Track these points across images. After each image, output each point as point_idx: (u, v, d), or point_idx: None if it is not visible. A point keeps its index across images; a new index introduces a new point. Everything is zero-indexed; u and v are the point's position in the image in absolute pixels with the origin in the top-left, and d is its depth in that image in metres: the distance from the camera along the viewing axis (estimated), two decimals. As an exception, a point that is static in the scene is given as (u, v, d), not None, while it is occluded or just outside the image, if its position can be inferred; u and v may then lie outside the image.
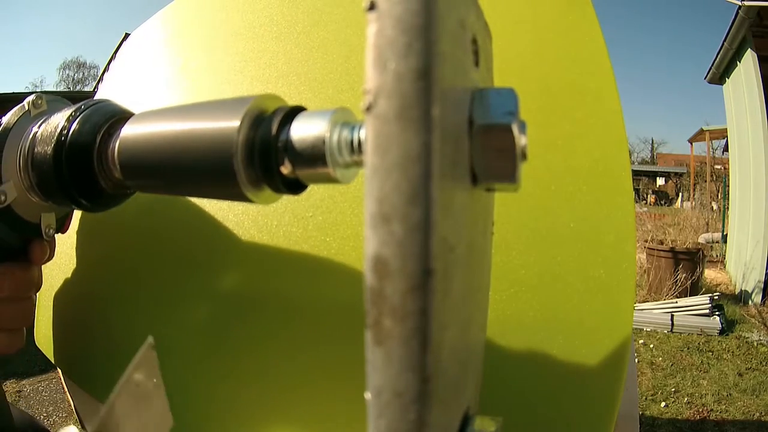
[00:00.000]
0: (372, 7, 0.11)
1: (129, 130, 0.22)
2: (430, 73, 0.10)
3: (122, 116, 0.25)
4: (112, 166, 0.23)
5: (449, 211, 0.11)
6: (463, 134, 0.13)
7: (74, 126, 0.24)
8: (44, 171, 0.25)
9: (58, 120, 0.25)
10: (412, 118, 0.10)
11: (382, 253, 0.10)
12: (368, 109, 0.11)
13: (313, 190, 0.32)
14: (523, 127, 0.14)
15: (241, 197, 0.19)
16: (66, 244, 0.55)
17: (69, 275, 0.52)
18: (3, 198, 0.27)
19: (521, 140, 0.14)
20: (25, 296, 0.32)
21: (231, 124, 0.18)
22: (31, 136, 0.26)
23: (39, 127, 0.26)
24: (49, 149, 0.25)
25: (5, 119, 0.28)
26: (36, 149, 0.25)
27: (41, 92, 0.30)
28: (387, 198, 0.10)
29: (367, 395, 0.11)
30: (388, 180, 0.10)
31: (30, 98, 0.29)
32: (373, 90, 0.11)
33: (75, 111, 0.25)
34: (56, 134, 0.25)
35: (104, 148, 0.24)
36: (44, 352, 0.56)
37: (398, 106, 0.10)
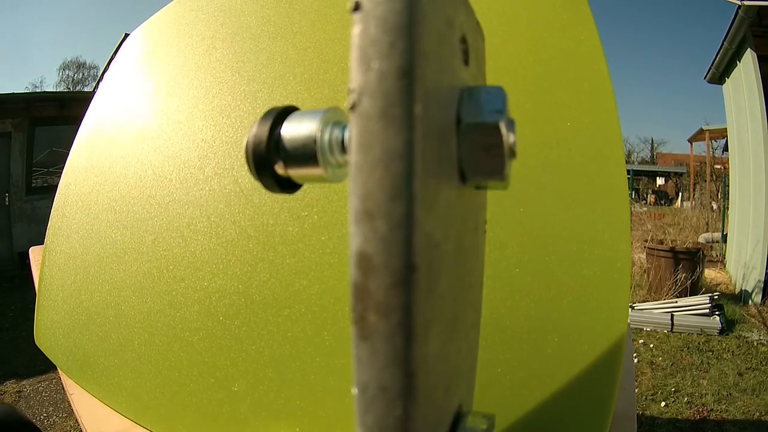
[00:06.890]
0: (357, 7, 0.11)
1: None
2: (413, 72, 0.10)
3: None
4: None
5: (434, 208, 0.12)
6: (450, 132, 0.13)
7: None
8: None
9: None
10: (395, 116, 0.10)
11: (365, 249, 0.10)
12: (352, 107, 0.11)
13: (309, 189, 0.32)
14: (511, 125, 0.14)
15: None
16: (65, 244, 0.55)
17: (69, 277, 0.52)
18: None
19: (509, 138, 0.14)
20: None
21: None
22: None
23: None
24: None
25: None
26: None
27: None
28: (370, 195, 0.10)
29: (354, 390, 0.11)
30: (371, 177, 0.10)
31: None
32: (356, 89, 0.11)
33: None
34: None
35: None
36: (45, 352, 0.56)
37: (381, 104, 0.10)
